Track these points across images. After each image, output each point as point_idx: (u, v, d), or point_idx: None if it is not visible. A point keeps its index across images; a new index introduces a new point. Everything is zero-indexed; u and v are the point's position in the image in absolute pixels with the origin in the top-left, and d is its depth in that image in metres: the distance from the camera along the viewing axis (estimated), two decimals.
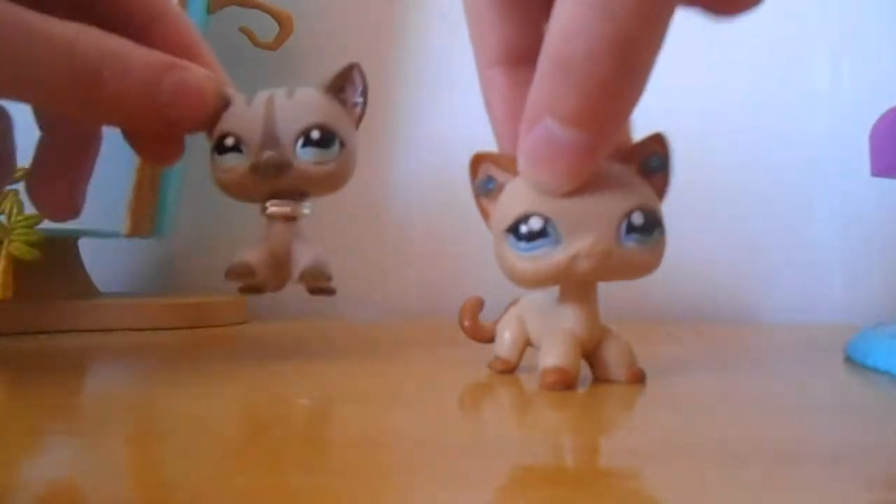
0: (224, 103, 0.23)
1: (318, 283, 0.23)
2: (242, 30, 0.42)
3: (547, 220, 0.18)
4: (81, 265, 0.39)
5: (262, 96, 0.23)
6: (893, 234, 0.42)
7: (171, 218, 0.38)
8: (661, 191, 0.19)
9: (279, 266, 0.24)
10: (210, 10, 0.40)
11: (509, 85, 0.20)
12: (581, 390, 0.19)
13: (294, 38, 0.42)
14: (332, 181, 0.23)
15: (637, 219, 0.18)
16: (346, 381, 0.22)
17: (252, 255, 0.23)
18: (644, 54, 0.16)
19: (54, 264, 0.36)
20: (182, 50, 0.23)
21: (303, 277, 0.23)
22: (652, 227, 0.18)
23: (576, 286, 0.20)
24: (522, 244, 0.18)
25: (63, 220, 0.25)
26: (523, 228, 0.18)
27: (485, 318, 0.24)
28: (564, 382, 0.19)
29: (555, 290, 0.20)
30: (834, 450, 0.14)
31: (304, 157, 0.23)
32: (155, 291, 0.47)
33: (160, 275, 0.49)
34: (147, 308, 0.36)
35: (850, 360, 0.25)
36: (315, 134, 0.23)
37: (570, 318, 0.20)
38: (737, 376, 0.23)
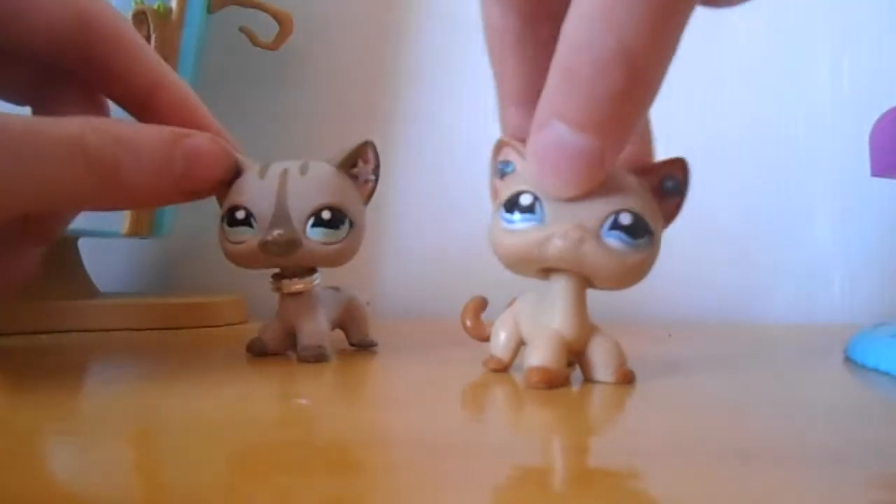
0: (236, 169, 0.23)
1: (314, 360, 0.24)
2: (242, 30, 0.42)
3: (536, 198, 0.19)
4: (81, 265, 0.39)
5: (275, 169, 0.23)
6: (893, 234, 0.42)
7: (170, 218, 0.38)
8: (670, 215, 0.20)
9: (289, 334, 0.25)
10: (210, 10, 0.40)
11: (525, 125, 0.21)
12: (582, 390, 0.19)
13: (294, 38, 0.42)
14: (338, 259, 0.24)
15: (624, 218, 0.18)
16: (346, 381, 0.22)
17: (267, 332, 0.25)
18: (654, 64, 0.16)
19: (54, 264, 0.36)
20: (184, 115, 0.24)
21: (299, 358, 0.24)
22: (639, 231, 0.19)
23: (563, 287, 0.20)
24: (509, 215, 0.19)
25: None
26: (514, 202, 0.19)
27: (487, 317, 0.24)
28: (548, 382, 0.19)
29: (547, 291, 0.21)
30: (834, 450, 0.14)
31: (314, 237, 0.23)
32: (155, 291, 0.47)
33: (160, 275, 0.49)
34: (147, 308, 0.36)
35: (850, 360, 0.25)
36: (326, 214, 0.23)
37: (556, 319, 0.20)
38: (736, 376, 0.23)
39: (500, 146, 0.21)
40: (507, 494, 0.11)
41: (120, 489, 0.12)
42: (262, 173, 0.23)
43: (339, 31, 0.47)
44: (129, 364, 0.26)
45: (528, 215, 0.19)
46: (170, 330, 0.35)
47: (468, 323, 0.25)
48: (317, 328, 0.24)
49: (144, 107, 0.24)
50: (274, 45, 0.42)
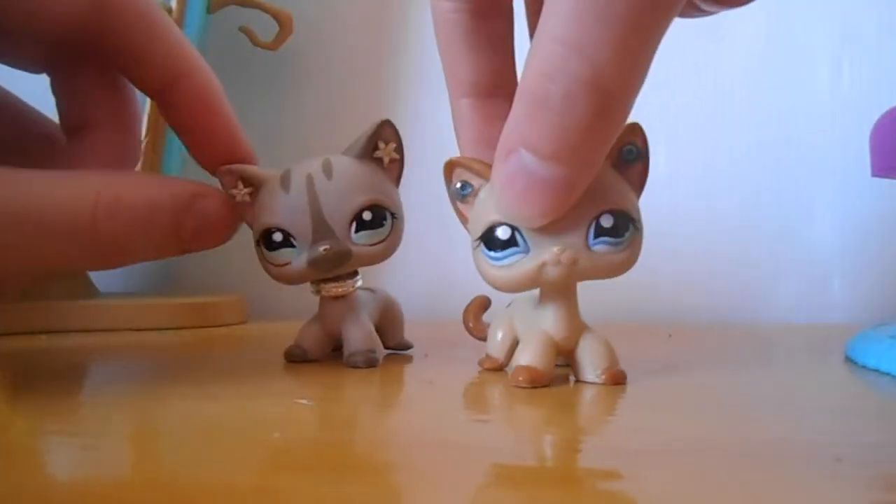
0: (253, 183, 0.22)
1: (365, 365, 0.23)
2: (242, 30, 0.42)
3: (514, 230, 0.18)
4: None
5: (298, 177, 0.22)
6: (893, 235, 0.42)
7: None
8: (638, 182, 0.19)
9: (331, 338, 0.24)
10: (210, 10, 0.40)
11: (477, 117, 0.21)
12: (582, 390, 0.19)
13: (294, 38, 0.42)
14: (386, 255, 0.23)
15: (606, 222, 0.18)
16: (345, 382, 0.22)
17: (307, 338, 0.24)
18: (625, 93, 0.16)
19: None
20: (203, 112, 0.23)
21: (350, 363, 0.23)
22: (623, 228, 0.18)
23: (554, 291, 0.20)
24: (493, 253, 0.19)
25: None
26: (492, 238, 0.19)
27: (490, 318, 0.24)
28: (533, 381, 0.19)
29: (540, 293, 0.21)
30: (834, 450, 0.14)
31: (359, 241, 0.22)
32: (155, 291, 0.47)
33: (160, 275, 0.49)
34: (147, 308, 0.36)
35: (850, 360, 0.24)
36: (366, 215, 0.22)
37: (546, 320, 0.20)
38: (736, 376, 0.23)
39: (451, 167, 0.20)
40: (508, 494, 0.11)
41: (120, 489, 0.12)
42: (285, 185, 0.22)
43: (339, 31, 0.47)
44: (129, 364, 0.26)
45: (512, 249, 0.18)
46: (170, 330, 0.35)
47: (471, 324, 0.25)
48: (365, 332, 0.24)
49: (164, 96, 0.23)
50: (274, 45, 0.42)
